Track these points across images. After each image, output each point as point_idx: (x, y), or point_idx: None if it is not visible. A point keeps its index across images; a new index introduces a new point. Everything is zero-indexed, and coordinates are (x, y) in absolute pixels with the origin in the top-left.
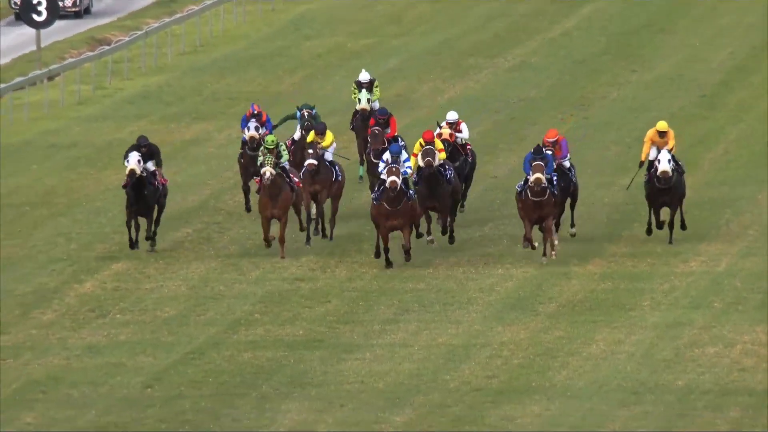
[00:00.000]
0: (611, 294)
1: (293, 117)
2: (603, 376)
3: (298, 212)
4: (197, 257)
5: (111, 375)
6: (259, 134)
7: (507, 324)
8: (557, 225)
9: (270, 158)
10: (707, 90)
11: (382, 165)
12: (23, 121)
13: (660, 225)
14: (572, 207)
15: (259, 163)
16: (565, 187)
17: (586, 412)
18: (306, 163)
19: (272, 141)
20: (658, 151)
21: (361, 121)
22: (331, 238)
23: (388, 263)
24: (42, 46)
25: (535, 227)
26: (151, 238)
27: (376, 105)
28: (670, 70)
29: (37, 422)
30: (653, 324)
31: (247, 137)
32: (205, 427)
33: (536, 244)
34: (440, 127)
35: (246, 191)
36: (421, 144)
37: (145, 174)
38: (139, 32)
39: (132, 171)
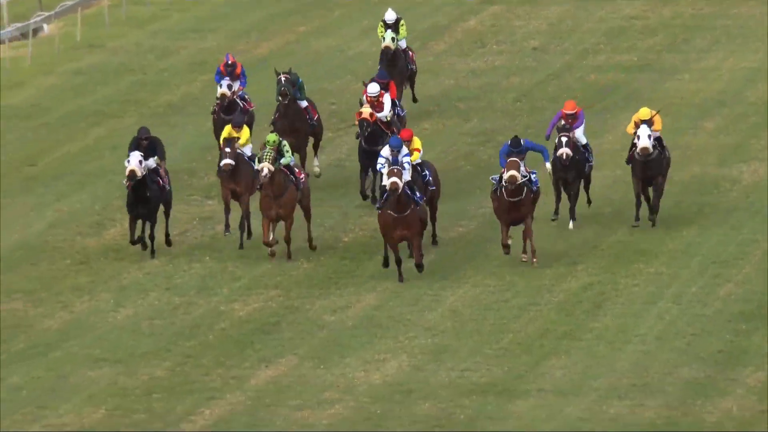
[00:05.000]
0: None
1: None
2: None
3: (306, 209)
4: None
5: (489, 91)
6: (232, 91)
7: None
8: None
9: (269, 153)
10: None
11: (382, 160)
12: None
13: (648, 200)
14: (586, 189)
15: (257, 158)
16: (581, 166)
17: None
18: (222, 163)
19: (274, 141)
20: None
21: (386, 59)
22: (249, 236)
23: (401, 277)
24: None
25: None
26: (150, 240)
27: (403, 44)
28: None
29: None
30: None
31: (219, 94)
32: None
33: (510, 247)
34: (361, 105)
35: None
36: None
37: (146, 173)
38: None
39: (132, 172)
